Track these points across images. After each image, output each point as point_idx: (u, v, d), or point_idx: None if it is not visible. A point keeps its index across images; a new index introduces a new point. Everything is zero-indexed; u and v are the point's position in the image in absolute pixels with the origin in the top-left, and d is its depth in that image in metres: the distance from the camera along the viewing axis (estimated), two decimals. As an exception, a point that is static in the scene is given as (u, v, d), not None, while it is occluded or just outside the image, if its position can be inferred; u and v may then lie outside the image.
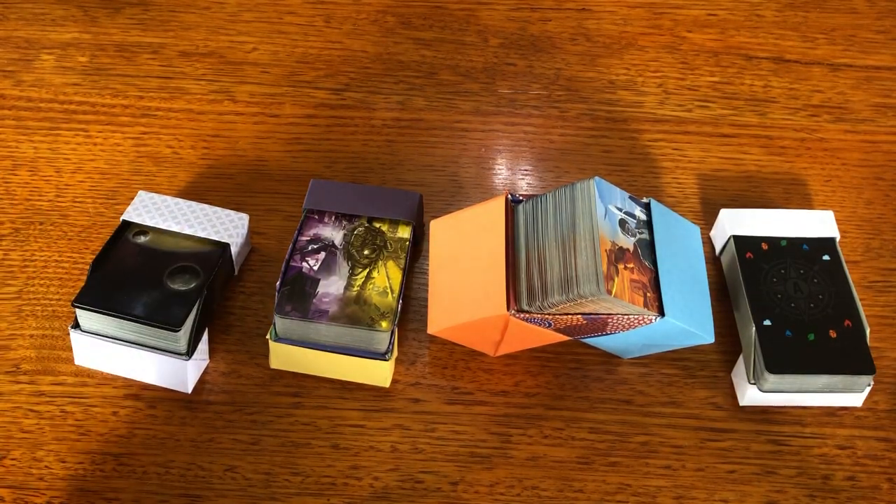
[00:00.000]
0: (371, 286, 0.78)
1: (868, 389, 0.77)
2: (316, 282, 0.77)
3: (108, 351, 0.76)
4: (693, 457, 0.75)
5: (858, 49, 1.06)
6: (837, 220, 0.89)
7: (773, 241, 0.83)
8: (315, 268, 0.78)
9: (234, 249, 0.81)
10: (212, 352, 0.80)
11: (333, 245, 0.80)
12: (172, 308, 0.75)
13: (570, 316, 0.72)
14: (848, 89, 1.02)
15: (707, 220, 0.90)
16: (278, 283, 0.77)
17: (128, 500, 0.72)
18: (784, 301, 0.79)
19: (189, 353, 0.75)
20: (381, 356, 0.76)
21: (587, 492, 0.73)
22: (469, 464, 0.74)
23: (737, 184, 0.93)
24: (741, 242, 0.83)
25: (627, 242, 0.74)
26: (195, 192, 0.90)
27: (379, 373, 0.77)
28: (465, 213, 0.80)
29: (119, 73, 1.00)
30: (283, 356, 0.78)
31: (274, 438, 0.75)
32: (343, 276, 0.78)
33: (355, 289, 0.77)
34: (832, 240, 0.84)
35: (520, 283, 0.73)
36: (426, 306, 0.81)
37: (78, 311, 0.76)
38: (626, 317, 0.72)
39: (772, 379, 0.75)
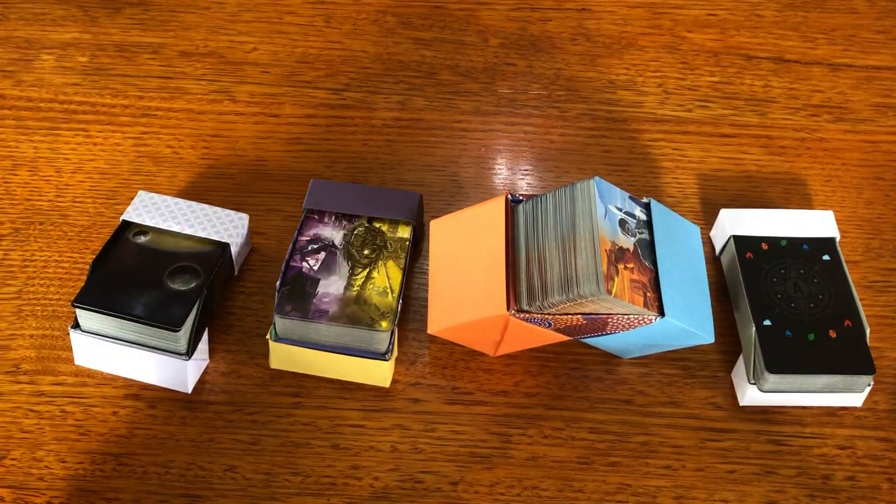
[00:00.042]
0: (371, 286, 0.78)
1: (868, 389, 0.77)
2: (316, 282, 0.77)
3: (108, 351, 0.76)
4: (693, 457, 0.75)
5: (858, 49, 1.06)
6: (837, 220, 0.89)
7: (773, 241, 0.83)
8: (315, 268, 0.78)
9: (234, 249, 0.82)
10: (212, 352, 0.80)
11: (333, 245, 0.80)
12: (172, 308, 0.75)
13: (570, 316, 0.72)
14: (848, 89, 1.02)
15: (707, 220, 0.90)
16: (278, 283, 0.77)
17: (128, 500, 0.72)
18: (784, 301, 0.79)
19: (189, 353, 0.75)
20: (381, 356, 0.76)
21: (587, 492, 0.73)
22: (469, 464, 0.74)
23: (737, 184, 0.93)
24: (741, 242, 0.83)
25: (627, 242, 0.74)
26: (195, 192, 0.90)
27: (379, 373, 0.77)
28: (465, 213, 0.80)
29: (119, 73, 1.00)
30: (283, 356, 0.78)
31: (274, 438, 0.75)
32: (343, 276, 0.78)
33: (355, 289, 0.77)
34: (832, 240, 0.84)
35: (520, 283, 0.73)
36: (426, 306, 0.81)
37: (78, 311, 0.76)
38: (626, 317, 0.72)
39: (772, 379, 0.75)
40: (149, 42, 1.03)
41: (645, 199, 0.78)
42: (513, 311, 0.72)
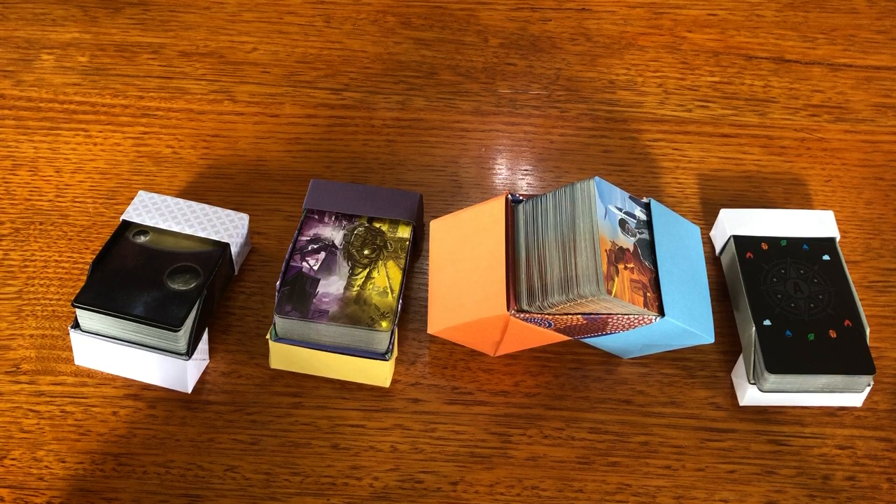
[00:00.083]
0: (371, 286, 0.78)
1: (868, 389, 0.77)
2: (316, 282, 0.77)
3: (108, 351, 0.76)
4: (693, 457, 0.75)
5: (858, 49, 1.06)
6: (837, 220, 0.89)
7: (773, 241, 0.83)
8: (315, 268, 0.78)
9: (234, 249, 0.82)
10: (212, 352, 0.80)
11: (333, 245, 0.80)
12: (172, 308, 0.75)
13: (570, 316, 0.72)
14: (848, 89, 1.02)
15: (707, 220, 0.90)
16: (278, 283, 0.77)
17: (128, 500, 0.72)
18: (784, 301, 0.79)
19: (189, 353, 0.75)
20: (381, 356, 0.76)
21: (587, 492, 0.73)
22: (469, 464, 0.74)
23: (737, 184, 0.93)
24: (741, 242, 0.83)
25: (627, 242, 0.74)
26: (195, 192, 0.90)
27: (379, 373, 0.77)
28: (465, 213, 0.80)
29: (119, 73, 1.00)
30: (283, 356, 0.78)
31: (274, 438, 0.75)
32: (343, 276, 0.78)
33: (355, 289, 0.77)
34: (832, 240, 0.84)
35: (520, 283, 0.73)
36: (426, 306, 0.81)
37: (78, 310, 0.76)
38: (626, 317, 0.72)
39: (772, 379, 0.75)
40: (149, 42, 1.03)
41: (645, 199, 0.78)
42: (513, 311, 0.72)
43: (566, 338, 0.76)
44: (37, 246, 0.86)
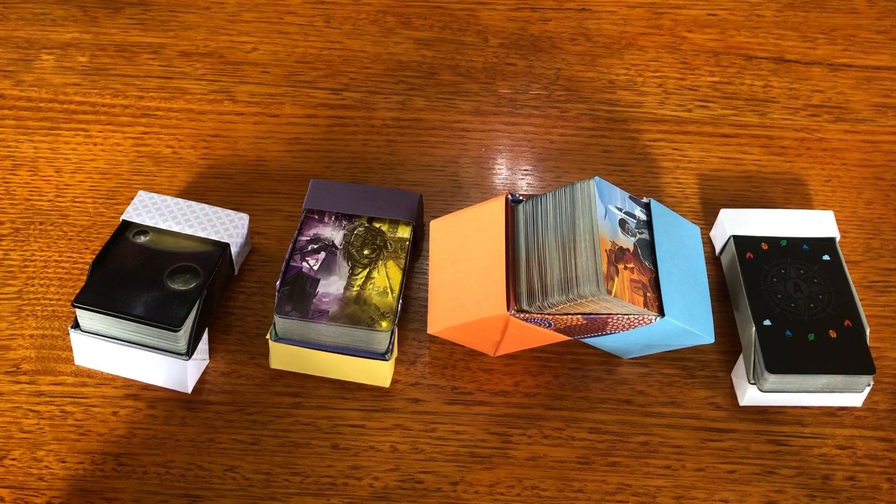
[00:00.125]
0: (371, 286, 0.78)
1: (868, 389, 0.77)
2: (316, 282, 0.77)
3: (108, 351, 0.76)
4: (693, 457, 0.75)
5: (858, 49, 1.06)
6: (837, 220, 0.89)
7: (773, 241, 0.83)
8: (315, 268, 0.78)
9: (234, 249, 0.82)
10: (212, 352, 0.80)
11: (333, 245, 0.80)
12: (172, 308, 0.75)
13: (570, 316, 0.72)
14: (848, 89, 1.02)
15: (707, 220, 0.90)
16: (278, 283, 0.77)
17: (128, 500, 0.72)
18: (784, 301, 0.79)
19: (189, 353, 0.75)
20: (381, 356, 0.76)
21: (587, 492, 0.73)
22: (469, 464, 0.74)
23: (737, 184, 0.93)
24: (741, 242, 0.83)
25: (627, 242, 0.74)
26: (195, 192, 0.90)
27: (379, 373, 0.77)
28: (465, 213, 0.80)
29: (119, 73, 1.00)
30: (283, 356, 0.78)
31: (274, 438, 0.75)
32: (343, 276, 0.78)
33: (355, 289, 0.77)
34: (832, 240, 0.84)
35: (520, 284, 0.73)
36: (426, 306, 0.81)
37: (78, 310, 0.76)
38: (626, 317, 0.72)
39: (772, 379, 0.75)
40: (149, 42, 1.03)
41: (645, 199, 0.78)
42: (513, 312, 0.72)
43: (566, 338, 0.76)
44: (37, 246, 0.86)
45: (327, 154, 0.94)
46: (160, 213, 0.82)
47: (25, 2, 1.07)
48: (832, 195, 0.93)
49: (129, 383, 0.78)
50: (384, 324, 0.75)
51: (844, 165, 0.95)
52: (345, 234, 0.81)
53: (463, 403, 0.78)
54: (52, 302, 0.82)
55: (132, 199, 0.86)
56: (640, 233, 0.75)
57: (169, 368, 0.76)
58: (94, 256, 0.84)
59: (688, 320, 0.73)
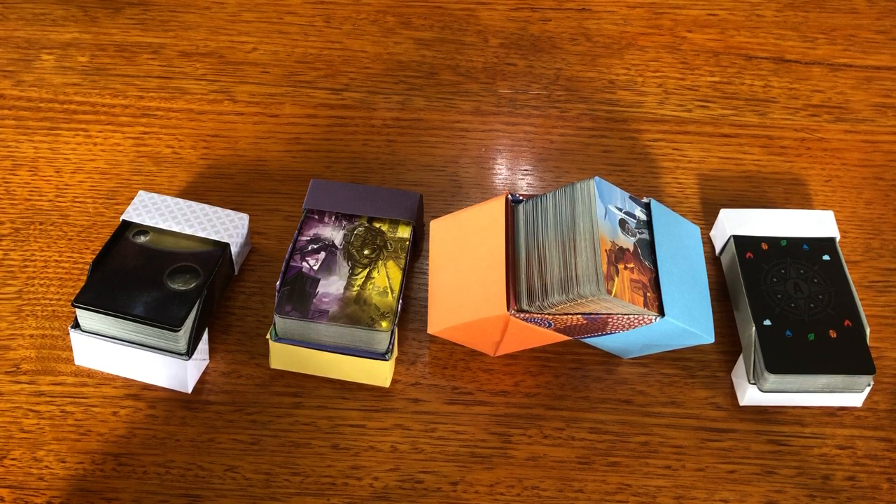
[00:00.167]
0: (371, 286, 0.78)
1: (868, 389, 0.77)
2: (316, 282, 0.77)
3: (108, 351, 0.76)
4: (693, 457, 0.75)
5: (858, 49, 1.06)
6: (837, 220, 0.89)
7: (773, 241, 0.83)
8: (315, 268, 0.78)
9: (234, 249, 0.82)
10: (212, 352, 0.80)
11: (333, 245, 0.80)
12: (172, 308, 0.75)
13: (570, 316, 0.72)
14: (848, 89, 1.02)
15: (707, 220, 0.90)
16: (278, 283, 0.77)
17: (128, 500, 0.72)
18: (784, 301, 0.79)
19: (189, 353, 0.75)
20: (381, 356, 0.76)
21: (587, 492, 0.73)
22: (469, 464, 0.74)
23: (737, 184, 0.93)
24: (741, 242, 0.83)
25: (627, 242, 0.74)
26: (195, 192, 0.90)
27: (379, 373, 0.77)
28: (465, 213, 0.80)
29: (119, 73, 1.00)
30: (283, 356, 0.78)
31: (274, 438, 0.75)
32: (343, 276, 0.78)
33: (355, 289, 0.77)
34: (832, 240, 0.84)
35: (520, 283, 0.73)
36: (426, 306, 0.81)
37: (78, 310, 0.76)
38: (626, 317, 0.72)
39: (772, 379, 0.75)
40: (149, 42, 1.03)
41: (645, 199, 0.78)
42: (513, 311, 0.72)
43: (566, 338, 0.76)
44: (37, 246, 0.86)
45: (327, 154, 0.94)
46: (160, 213, 0.82)
47: (25, 2, 1.07)
48: (832, 195, 0.93)
49: (129, 383, 0.78)
50: (384, 324, 0.75)
51: (844, 165, 0.95)
52: (345, 234, 0.81)
53: (463, 403, 0.78)
54: (52, 302, 0.82)
55: (132, 199, 0.86)
56: (640, 233, 0.75)
57: (169, 368, 0.76)
58: (94, 256, 0.84)
59: (688, 320, 0.73)
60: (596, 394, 0.79)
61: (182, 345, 0.75)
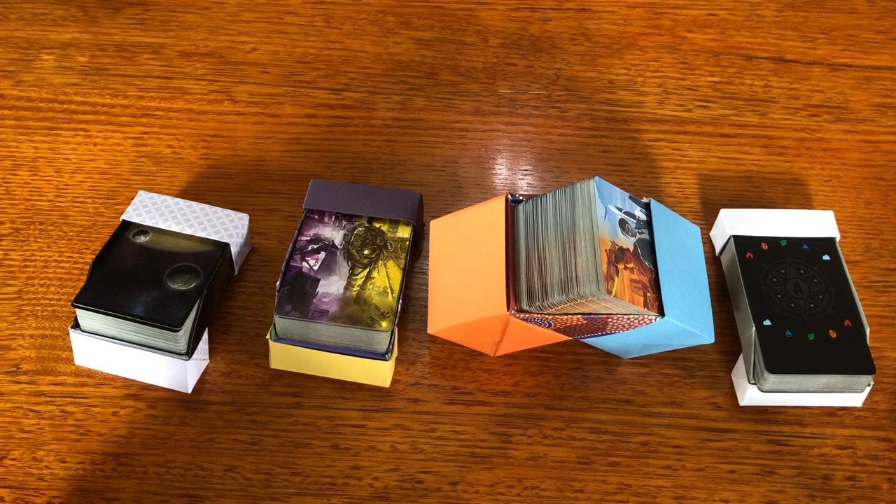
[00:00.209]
0: (371, 286, 0.78)
1: (868, 389, 0.77)
2: (316, 282, 0.77)
3: (108, 351, 0.76)
4: (693, 457, 0.75)
5: (858, 49, 1.06)
6: (837, 220, 0.89)
7: (773, 241, 0.83)
8: (315, 268, 0.78)
9: (234, 249, 0.82)
10: (212, 352, 0.80)
11: (333, 245, 0.80)
12: (172, 308, 0.75)
13: (570, 316, 0.72)
14: (848, 89, 1.02)
15: (707, 220, 0.90)
16: (278, 283, 0.77)
17: (128, 500, 0.72)
18: (784, 301, 0.79)
19: (189, 353, 0.75)
20: (381, 356, 0.76)
21: (587, 492, 0.73)
22: (469, 464, 0.74)
23: (737, 184, 0.93)
24: (741, 242, 0.83)
25: (627, 242, 0.74)
26: (195, 192, 0.90)
27: (379, 373, 0.77)
28: (465, 213, 0.80)
29: (119, 73, 1.00)
30: (283, 356, 0.78)
31: (274, 438, 0.75)
32: (343, 276, 0.78)
33: (355, 289, 0.77)
34: (832, 240, 0.84)
35: (520, 283, 0.73)
36: (426, 306, 0.81)
37: (78, 310, 0.76)
38: (626, 317, 0.72)
39: (772, 379, 0.75)
40: (149, 42, 1.03)
41: (645, 199, 0.78)
42: (513, 311, 0.72)
43: (566, 338, 0.76)
44: (37, 246, 0.86)
45: (327, 154, 0.94)
46: (160, 213, 0.82)
47: (25, 2, 1.07)
48: (832, 195, 0.93)
49: (129, 383, 0.78)
50: (384, 324, 0.75)
51: (844, 165, 0.95)
52: (345, 234, 0.81)
53: (463, 403, 0.78)
54: (52, 302, 0.82)
55: (132, 199, 0.86)
56: (640, 233, 0.75)
57: (169, 368, 0.76)
58: (94, 256, 0.84)
59: (688, 320, 0.73)
60: (596, 394, 0.79)
61: (182, 345, 0.75)
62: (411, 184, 0.92)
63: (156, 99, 0.98)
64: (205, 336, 0.78)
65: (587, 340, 0.78)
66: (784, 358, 0.76)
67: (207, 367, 0.79)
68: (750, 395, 0.77)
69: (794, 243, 0.83)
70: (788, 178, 0.94)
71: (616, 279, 0.70)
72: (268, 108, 0.98)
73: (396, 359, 0.79)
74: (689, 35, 1.07)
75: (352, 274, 0.78)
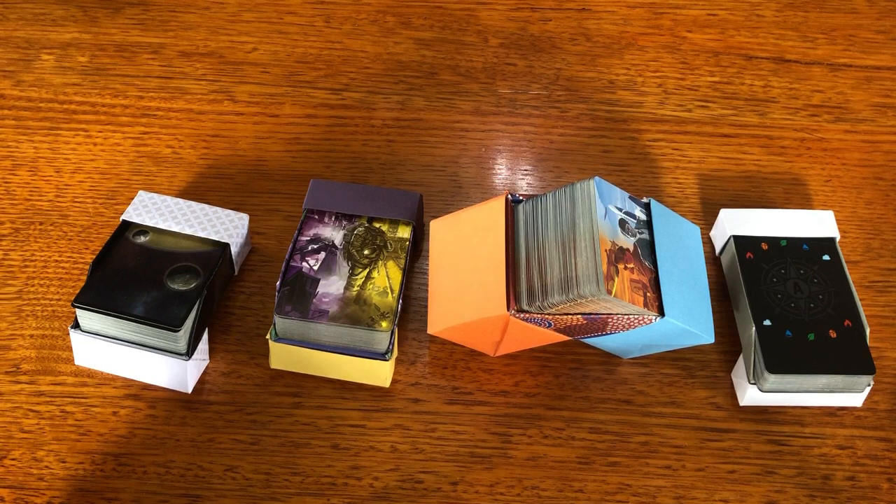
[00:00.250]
0: (371, 286, 0.78)
1: (868, 389, 0.77)
2: (316, 282, 0.77)
3: (108, 351, 0.76)
4: (693, 457, 0.75)
5: (858, 49, 1.06)
6: (837, 220, 0.89)
7: (773, 241, 0.83)
8: (315, 268, 0.78)
9: (234, 249, 0.82)
10: (212, 352, 0.80)
11: (333, 245, 0.80)
12: (172, 308, 0.75)
13: (570, 316, 0.72)
14: (848, 89, 1.02)
15: (707, 220, 0.90)
16: (278, 283, 0.77)
17: (128, 500, 0.72)
18: (784, 301, 0.79)
19: (189, 353, 0.75)
20: (381, 356, 0.76)
21: (587, 492, 0.73)
22: (469, 464, 0.74)
23: (737, 184, 0.93)
24: (741, 242, 0.83)
25: (627, 242, 0.74)
26: (195, 192, 0.90)
27: (379, 373, 0.77)
28: (465, 213, 0.80)
29: (119, 73, 1.00)
30: (283, 356, 0.78)
31: (274, 438, 0.75)
32: (343, 276, 0.78)
33: (355, 289, 0.77)
34: (832, 240, 0.84)
35: (520, 283, 0.73)
36: (426, 306, 0.81)
37: (78, 311, 0.76)
38: (626, 317, 0.72)
39: (772, 379, 0.75)
40: (149, 42, 1.03)
41: (645, 199, 0.78)
42: (513, 311, 0.72)
43: (566, 338, 0.76)
44: (37, 246, 0.86)
45: (327, 154, 0.94)
46: (160, 213, 0.82)
47: (25, 2, 1.07)
48: (832, 195, 0.93)
49: (129, 383, 0.78)
50: (384, 324, 0.75)
51: (844, 165, 0.95)
52: (345, 234, 0.81)
53: (463, 403, 0.78)
54: (52, 302, 0.82)
55: (132, 199, 0.86)
56: (640, 233, 0.75)
57: (169, 368, 0.76)
58: (94, 256, 0.84)
59: (688, 320, 0.73)
60: (596, 394, 0.79)
61: (182, 345, 0.75)
62: (411, 184, 0.92)
63: (156, 99, 0.98)
64: (205, 336, 0.78)
65: (587, 340, 0.78)
66: (784, 358, 0.76)
67: (207, 367, 0.79)
68: (750, 395, 0.77)
69: (794, 243, 0.83)
70: (788, 178, 0.94)
71: (616, 279, 0.70)
72: (268, 108, 0.98)
73: (396, 359, 0.79)
74: (689, 35, 1.07)
75: (352, 274, 0.78)
